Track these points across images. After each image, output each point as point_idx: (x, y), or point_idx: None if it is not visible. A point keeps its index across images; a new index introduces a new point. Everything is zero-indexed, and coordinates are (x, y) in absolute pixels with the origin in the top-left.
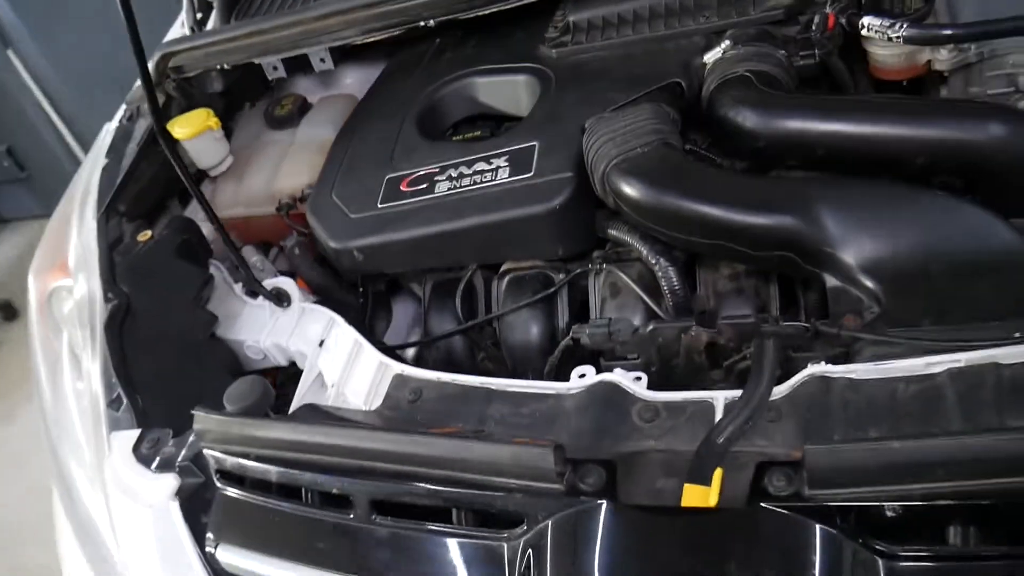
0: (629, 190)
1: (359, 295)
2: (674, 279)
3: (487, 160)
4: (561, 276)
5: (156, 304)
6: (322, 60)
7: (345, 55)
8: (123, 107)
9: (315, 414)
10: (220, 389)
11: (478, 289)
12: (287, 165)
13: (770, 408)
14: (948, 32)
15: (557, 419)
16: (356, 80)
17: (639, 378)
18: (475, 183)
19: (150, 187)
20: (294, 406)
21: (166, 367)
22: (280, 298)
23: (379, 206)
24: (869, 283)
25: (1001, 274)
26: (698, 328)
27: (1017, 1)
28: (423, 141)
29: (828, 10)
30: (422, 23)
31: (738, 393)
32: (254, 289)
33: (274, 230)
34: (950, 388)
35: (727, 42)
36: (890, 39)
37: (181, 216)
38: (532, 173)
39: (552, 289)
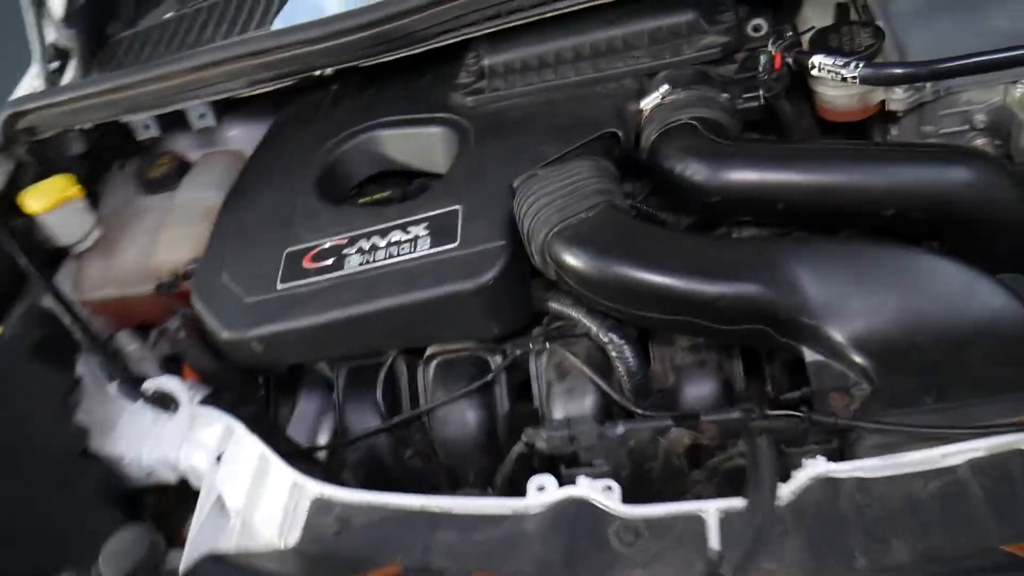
0: (575, 261)
1: (259, 385)
2: (630, 359)
3: (403, 228)
4: (497, 358)
5: (9, 419)
6: (202, 116)
7: (228, 107)
8: None
9: (221, 571)
10: (96, 524)
11: (399, 375)
12: (166, 236)
13: (774, 522)
14: (907, 71)
15: (517, 546)
16: (242, 134)
17: (609, 488)
18: (391, 256)
19: None
20: (190, 544)
21: (25, 501)
22: (164, 402)
23: (279, 287)
24: (856, 357)
25: (995, 340)
26: (678, 429)
27: (963, 35)
28: (325, 206)
29: (772, 49)
30: (317, 72)
31: (731, 503)
32: (130, 393)
33: (154, 310)
34: (975, 484)
35: (665, 86)
36: (844, 79)
37: (36, 306)
38: (457, 243)
39: (491, 375)
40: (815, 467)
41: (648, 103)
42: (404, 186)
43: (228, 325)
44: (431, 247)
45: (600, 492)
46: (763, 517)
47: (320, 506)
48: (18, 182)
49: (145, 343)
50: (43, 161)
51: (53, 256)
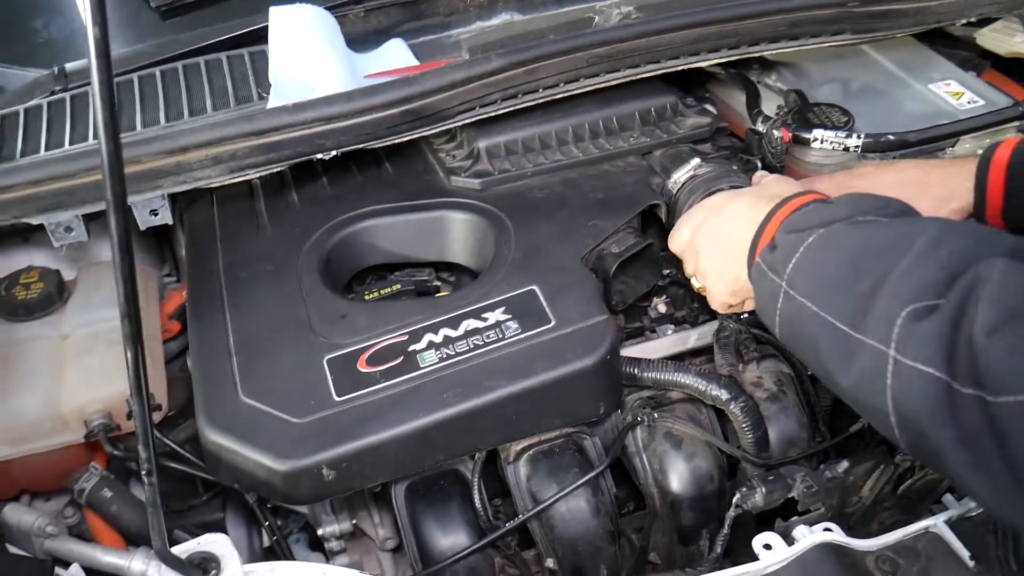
0: None
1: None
2: (752, 412)
3: (477, 316)
4: (594, 440)
5: None
6: (154, 213)
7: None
8: None
9: None
10: None
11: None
12: (73, 370)
13: None
14: (899, 139)
15: None
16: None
17: (830, 530)
18: (477, 347)
19: None
20: None
21: None
22: (205, 568)
23: (338, 399)
24: None
25: None
26: (899, 455)
27: (888, 116)
28: (351, 305)
29: (775, 127)
30: (317, 156)
31: (948, 514)
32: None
33: (55, 472)
34: None
35: (696, 159)
36: (847, 148)
37: None
38: (554, 322)
39: (611, 455)
40: None
41: (681, 176)
42: (404, 279)
43: (283, 455)
44: (523, 331)
45: (827, 535)
46: None
47: None
48: None
49: (47, 515)
50: None
51: None
